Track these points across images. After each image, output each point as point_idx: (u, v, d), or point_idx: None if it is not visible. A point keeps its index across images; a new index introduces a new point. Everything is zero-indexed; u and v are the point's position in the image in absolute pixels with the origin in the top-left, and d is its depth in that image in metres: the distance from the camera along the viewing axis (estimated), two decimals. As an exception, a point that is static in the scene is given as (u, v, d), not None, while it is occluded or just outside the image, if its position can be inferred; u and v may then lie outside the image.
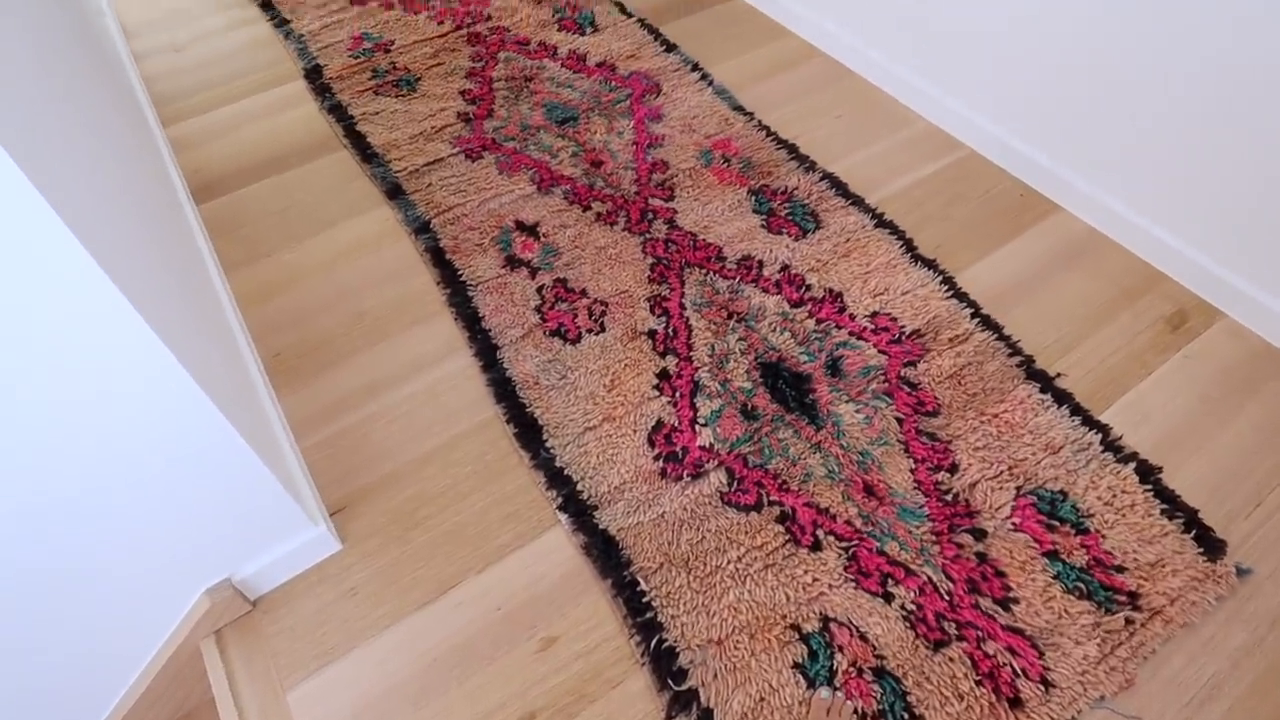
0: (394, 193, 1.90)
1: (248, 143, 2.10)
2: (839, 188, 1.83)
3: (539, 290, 1.67)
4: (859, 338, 1.55)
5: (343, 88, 2.18)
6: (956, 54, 1.85)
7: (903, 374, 1.49)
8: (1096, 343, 1.56)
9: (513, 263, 1.73)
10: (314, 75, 2.24)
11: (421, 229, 1.81)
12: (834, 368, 1.51)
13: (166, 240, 1.42)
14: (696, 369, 1.53)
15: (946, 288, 1.62)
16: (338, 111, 2.12)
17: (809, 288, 1.64)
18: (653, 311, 1.62)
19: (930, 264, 1.67)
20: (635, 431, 1.45)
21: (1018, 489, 1.34)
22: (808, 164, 1.88)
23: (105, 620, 1.14)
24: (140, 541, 1.07)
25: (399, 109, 2.10)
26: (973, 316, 1.57)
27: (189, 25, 2.51)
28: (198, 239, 1.77)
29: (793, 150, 1.92)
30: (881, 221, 1.75)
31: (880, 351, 1.53)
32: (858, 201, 1.80)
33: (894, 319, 1.58)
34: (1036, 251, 1.72)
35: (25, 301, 0.75)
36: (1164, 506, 1.33)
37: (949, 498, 1.33)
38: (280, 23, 2.44)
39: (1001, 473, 1.36)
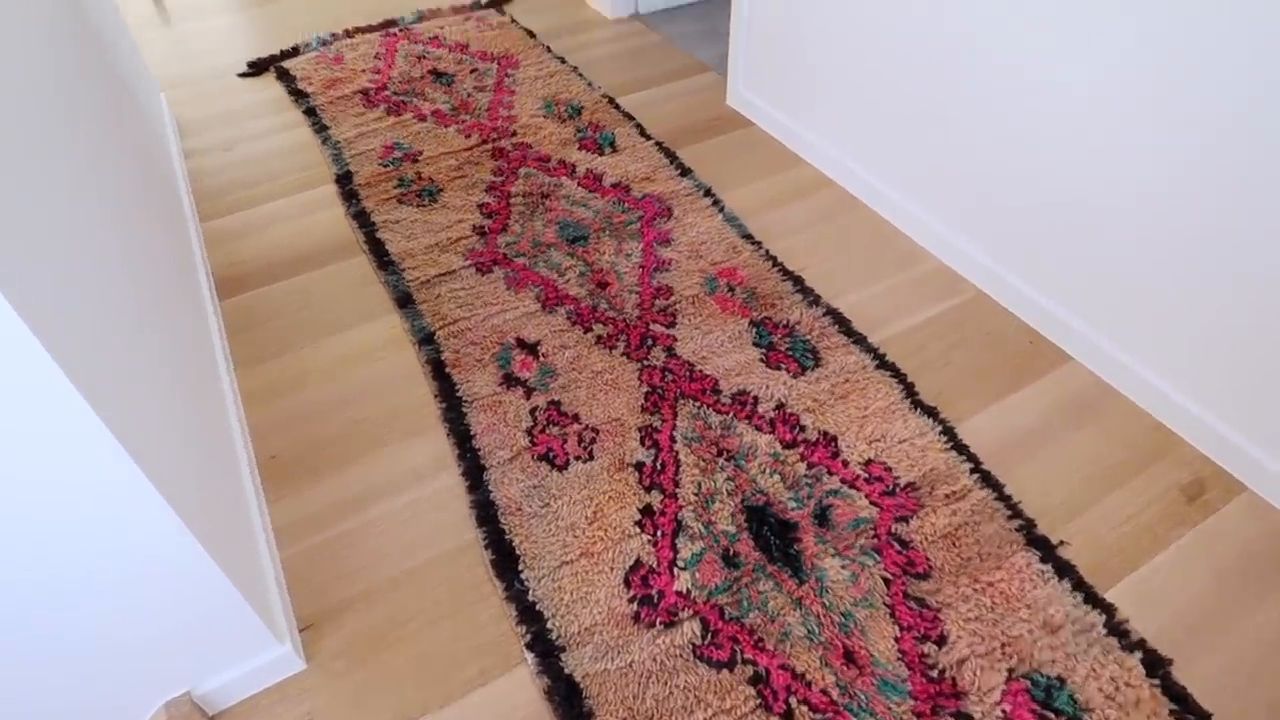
0: (404, 301, 1.93)
1: (276, 242, 2.17)
2: (842, 324, 1.81)
3: (532, 412, 1.66)
4: (851, 486, 1.51)
5: (369, 194, 2.25)
6: (968, 195, 1.86)
7: (894, 530, 1.44)
8: (1104, 510, 1.49)
9: (510, 381, 1.73)
10: (344, 180, 2.32)
11: (426, 340, 1.83)
12: (822, 517, 1.46)
13: (175, 338, 1.45)
14: (681, 507, 1.49)
15: (946, 439, 1.58)
16: (361, 218, 2.18)
17: (803, 428, 1.60)
18: (643, 443, 1.60)
19: (931, 411, 1.63)
20: (612, 569, 1.41)
21: (1010, 670, 1.26)
22: (812, 297, 1.88)
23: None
24: (97, 649, 1.05)
25: (419, 219, 2.16)
26: (972, 472, 1.52)
27: (239, 126, 2.63)
28: (213, 335, 1.81)
29: (798, 282, 1.92)
30: (883, 363, 1.72)
31: (872, 503, 1.48)
32: (860, 340, 1.78)
33: (889, 468, 1.53)
34: (1043, 404, 1.67)
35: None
36: (1173, 707, 1.23)
37: (935, 674, 1.26)
38: (320, 128, 2.54)
39: (994, 650, 1.28)
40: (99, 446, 0.86)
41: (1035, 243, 1.74)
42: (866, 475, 1.52)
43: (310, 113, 2.62)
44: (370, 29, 3.07)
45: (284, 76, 2.82)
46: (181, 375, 1.38)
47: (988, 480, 1.51)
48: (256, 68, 2.90)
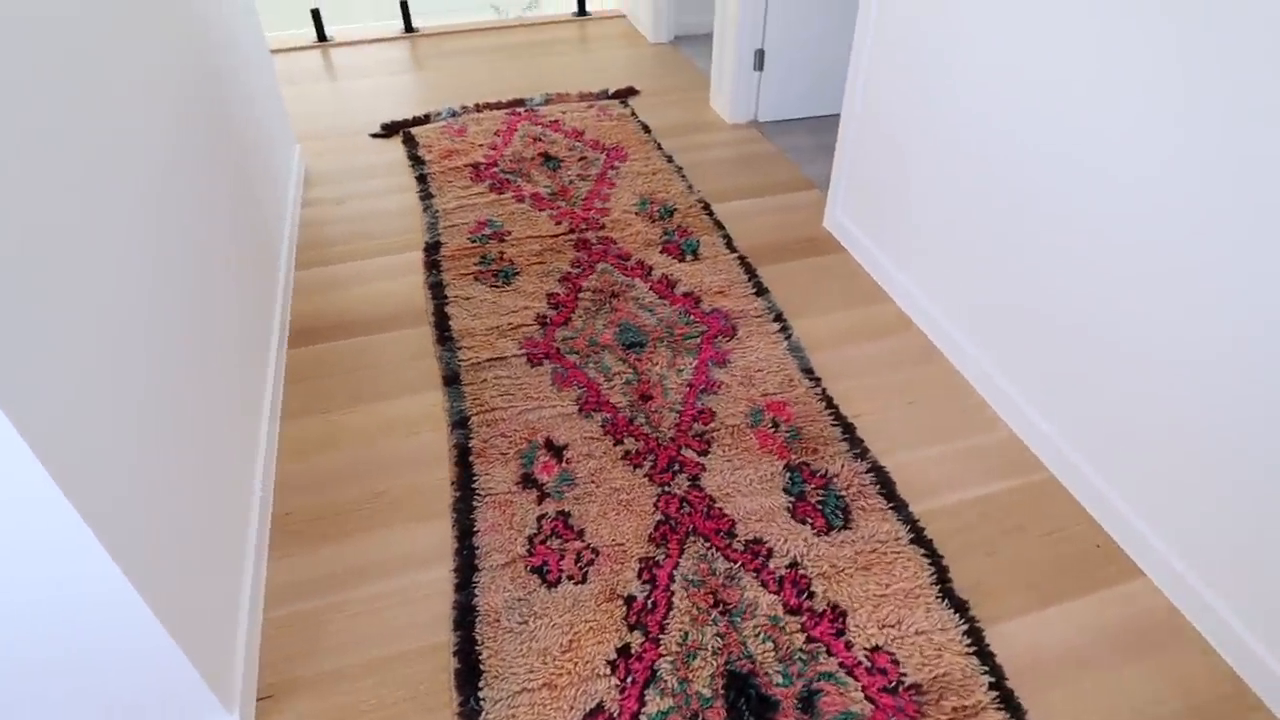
0: (451, 380, 1.94)
1: (355, 300, 2.25)
2: (884, 485, 1.67)
3: (539, 519, 1.61)
4: (849, 673, 1.36)
5: (450, 267, 2.31)
6: (1049, 367, 1.69)
7: (884, 734, 1.28)
8: (1145, 766, 1.28)
9: (527, 481, 1.69)
10: (432, 250, 2.40)
11: (460, 423, 1.83)
12: (808, 702, 1.32)
13: (213, 385, 1.50)
14: (660, 655, 1.39)
15: (970, 640, 1.40)
16: (437, 289, 2.24)
17: (812, 595, 1.47)
18: (640, 575, 1.51)
19: (960, 605, 1.46)
20: (571, 709, 1.32)
21: None
22: (860, 449, 1.75)
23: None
24: (37, 686, 1.07)
25: (489, 299, 2.19)
26: (992, 687, 1.34)
27: (356, 183, 2.79)
28: (268, 383, 1.87)
29: (849, 430, 1.80)
30: (919, 537, 1.57)
31: (868, 698, 1.32)
32: (900, 507, 1.63)
33: (896, 661, 1.37)
34: (1098, 622, 1.46)
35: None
36: None
37: None
38: (426, 195, 2.66)
39: None
40: (46, 505, 0.87)
41: (1118, 437, 1.56)
42: (869, 664, 1.37)
43: (422, 179, 2.74)
44: (499, 105, 3.21)
45: (409, 141, 2.98)
46: (203, 423, 1.41)
47: (1008, 702, 1.32)
48: (389, 130, 3.08)
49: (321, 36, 3.90)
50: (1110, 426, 1.57)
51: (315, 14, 3.84)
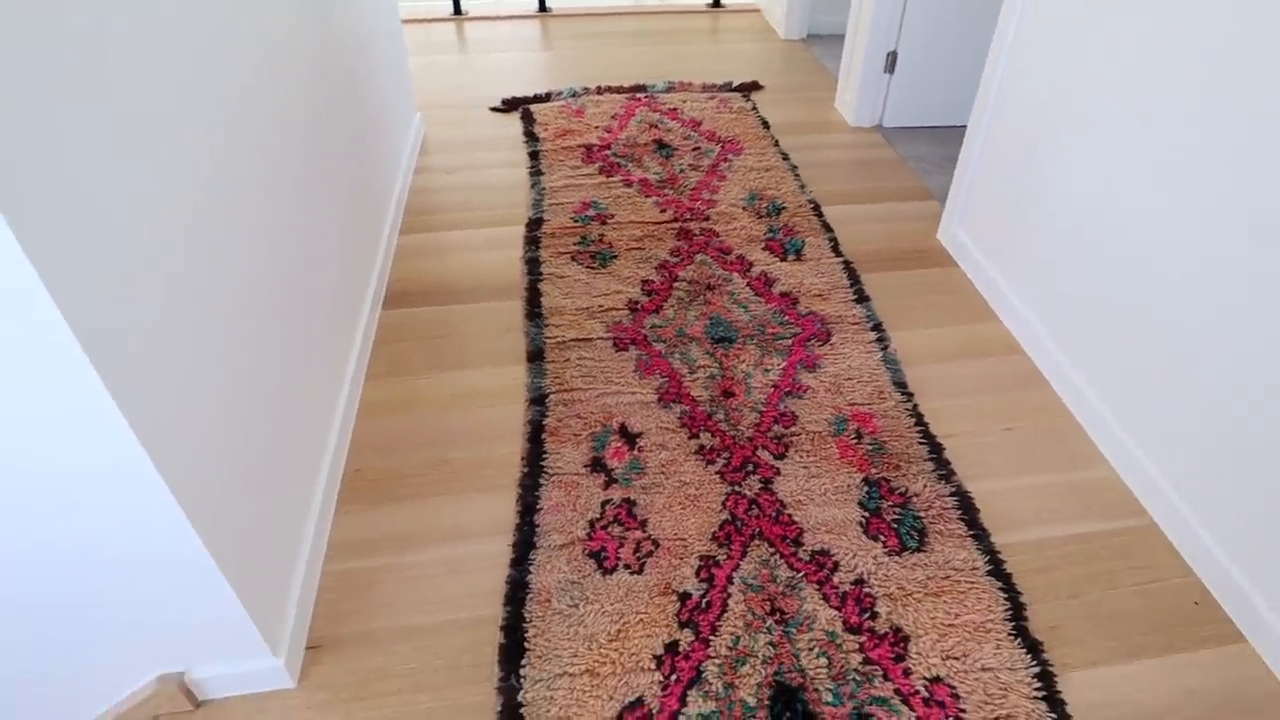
0: (535, 356, 1.96)
1: (453, 268, 2.31)
2: (967, 511, 1.58)
3: (603, 504, 1.61)
4: (905, 701, 1.29)
5: (549, 244, 2.33)
6: (1158, 406, 1.56)
7: (933, 773, 1.21)
8: None
9: (596, 465, 1.69)
10: (534, 226, 2.42)
11: (538, 400, 1.84)
12: (856, 726, 1.26)
13: (303, 341, 1.56)
14: (708, 657, 1.36)
15: (1040, 685, 1.31)
16: (533, 264, 2.26)
17: (875, 615, 1.41)
18: (698, 573, 1.48)
19: (1034, 646, 1.36)
20: (610, 699, 1.31)
21: None
22: (945, 471, 1.66)
23: (58, 666, 1.20)
24: (95, 619, 1.13)
25: (583, 279, 2.20)
26: (1058, 738, 1.25)
27: (470, 154, 2.86)
28: (355, 341, 1.93)
29: (936, 450, 1.71)
30: (998, 570, 1.48)
31: (920, 731, 1.26)
32: (980, 536, 1.54)
33: (956, 696, 1.30)
34: (1187, 685, 1.34)
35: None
36: None
37: None
38: (536, 172, 2.69)
39: None
40: (116, 442, 0.92)
41: (1227, 487, 1.42)
42: (927, 694, 1.30)
43: (534, 156, 2.78)
44: (620, 90, 3.22)
45: (527, 118, 3.02)
46: (286, 374, 1.47)
47: (1074, 757, 1.23)
48: (509, 105, 3.13)
49: (458, 10, 4.01)
50: (1218, 477, 1.43)
51: (453, -13, 3.95)
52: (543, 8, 4.08)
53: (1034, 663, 1.34)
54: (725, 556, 1.51)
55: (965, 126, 2.26)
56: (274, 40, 1.53)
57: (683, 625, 1.41)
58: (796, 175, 2.68)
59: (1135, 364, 1.64)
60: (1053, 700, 1.30)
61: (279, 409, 1.42)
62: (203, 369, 1.12)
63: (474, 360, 1.99)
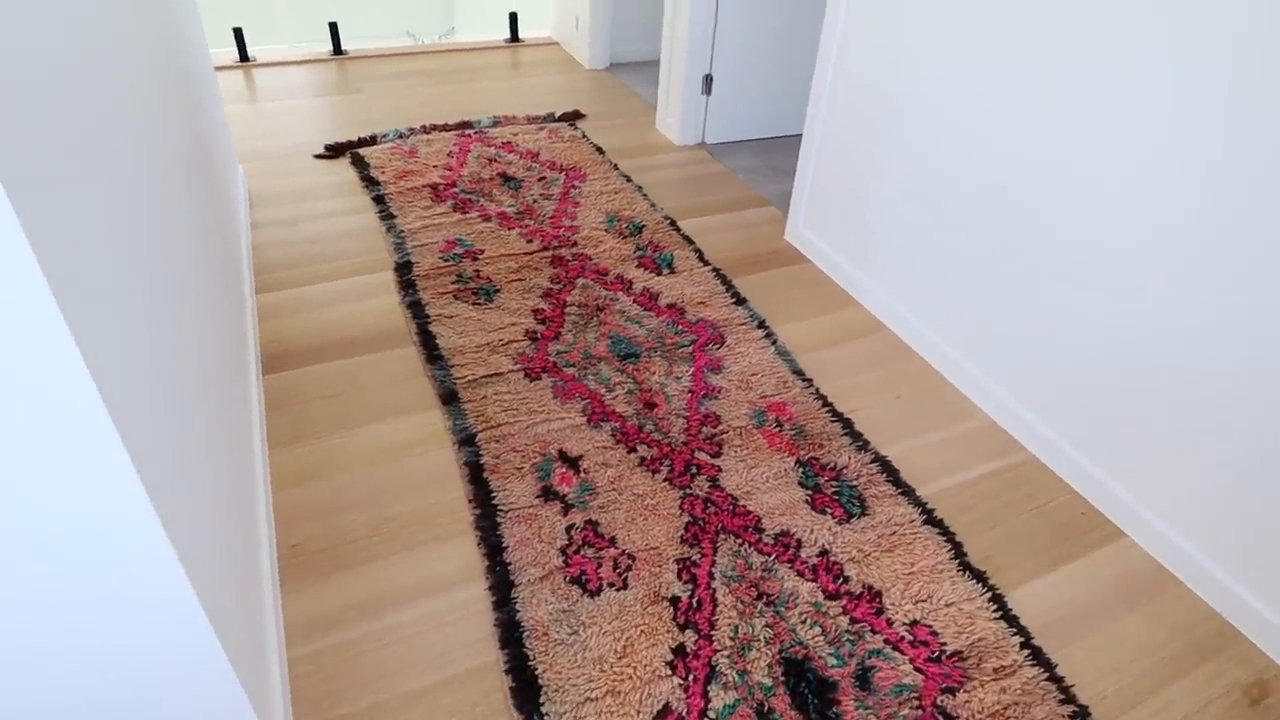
0: (449, 398, 1.92)
1: (327, 322, 2.19)
2: (890, 473, 1.78)
3: (568, 530, 1.62)
4: (895, 648, 1.44)
5: (427, 286, 2.29)
6: (1016, 355, 1.85)
7: (939, 702, 1.36)
8: (1161, 704, 1.41)
9: (548, 494, 1.69)
10: (404, 270, 2.36)
11: (467, 441, 1.81)
12: (864, 679, 1.38)
13: (220, 410, 1.43)
14: (716, 651, 1.42)
15: (995, 607, 1.51)
16: (416, 308, 2.20)
17: (847, 579, 1.55)
18: (679, 576, 1.54)
19: (980, 576, 1.57)
20: (639, 713, 1.33)
21: None
22: (861, 442, 1.85)
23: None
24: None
25: (473, 316, 2.18)
26: (1022, 646, 1.45)
27: (307, 204, 2.71)
28: (253, 411, 1.79)
29: (847, 425, 1.90)
30: (931, 518, 1.68)
31: (916, 669, 1.40)
32: (908, 492, 1.74)
33: (935, 633, 1.46)
34: (1094, 581, 1.61)
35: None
36: None
37: None
38: (387, 216, 2.61)
39: None
40: (140, 528, 0.83)
41: (1087, 409, 1.73)
42: (911, 638, 1.45)
43: (379, 200, 2.69)
44: (447, 128, 3.19)
45: (358, 163, 2.92)
46: (220, 449, 1.35)
47: (1038, 657, 1.44)
48: (334, 150, 3.01)
49: (244, 57, 3.76)
50: (1077, 403, 1.74)
51: (238, 33, 3.71)
52: (338, 50, 3.93)
53: (984, 590, 1.54)
54: (699, 555, 1.58)
55: (782, 137, 2.52)
56: (123, 84, 1.41)
57: (683, 627, 1.46)
58: (644, 195, 2.82)
59: (983, 317, 1.93)
60: (1009, 618, 1.50)
61: (221, 487, 1.30)
62: (183, 432, 1.03)
63: (382, 412, 1.92)
